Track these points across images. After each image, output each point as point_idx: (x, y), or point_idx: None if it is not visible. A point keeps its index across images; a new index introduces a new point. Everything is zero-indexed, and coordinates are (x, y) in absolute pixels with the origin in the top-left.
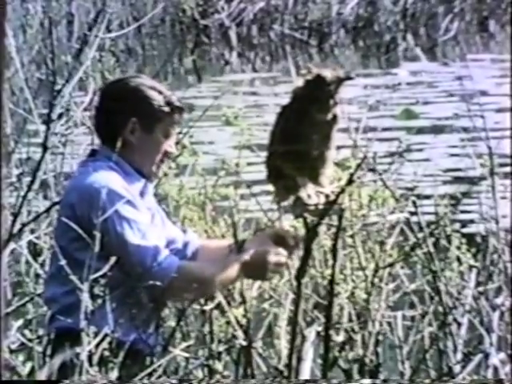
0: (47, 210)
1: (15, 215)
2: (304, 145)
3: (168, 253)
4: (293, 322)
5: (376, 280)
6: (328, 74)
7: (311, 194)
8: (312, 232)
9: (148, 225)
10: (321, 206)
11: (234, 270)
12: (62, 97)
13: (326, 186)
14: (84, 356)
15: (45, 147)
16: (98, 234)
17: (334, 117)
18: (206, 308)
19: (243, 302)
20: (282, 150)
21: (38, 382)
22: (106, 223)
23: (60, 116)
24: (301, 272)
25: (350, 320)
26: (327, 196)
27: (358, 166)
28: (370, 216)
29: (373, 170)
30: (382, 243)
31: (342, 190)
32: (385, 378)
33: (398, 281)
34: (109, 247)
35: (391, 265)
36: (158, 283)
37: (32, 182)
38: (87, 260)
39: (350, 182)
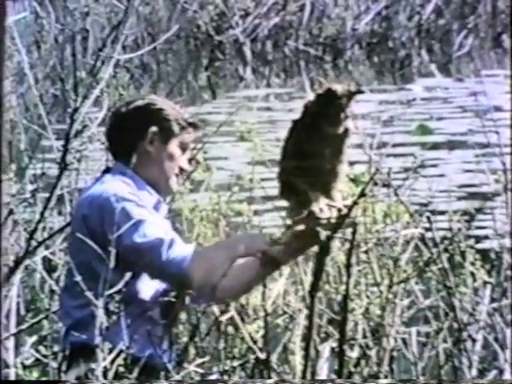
0: (63, 228)
1: (31, 233)
2: (316, 159)
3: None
4: (307, 337)
5: (390, 296)
6: (339, 87)
7: (323, 208)
8: (325, 246)
9: (161, 222)
10: (333, 220)
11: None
12: (79, 113)
13: (339, 199)
14: (99, 372)
15: (64, 164)
16: (113, 250)
17: (346, 130)
18: (222, 319)
19: (266, 314)
20: (294, 165)
21: (38, 382)
22: (118, 226)
23: (78, 133)
24: (314, 287)
25: (365, 336)
26: (340, 210)
27: (371, 178)
28: (385, 232)
29: (387, 186)
30: (396, 259)
31: (355, 203)
32: (402, 379)
33: (412, 297)
34: (122, 251)
35: (405, 280)
36: (182, 272)
37: (49, 199)
38: (103, 271)
39: (362, 195)
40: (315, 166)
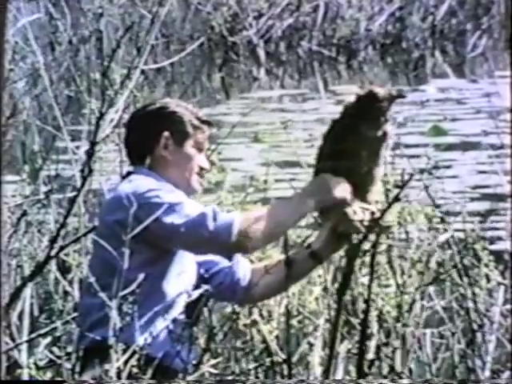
0: (88, 232)
1: (53, 239)
2: (352, 161)
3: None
4: (331, 338)
5: (406, 297)
6: (380, 90)
7: (357, 210)
8: (356, 248)
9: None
10: (366, 223)
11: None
12: (104, 119)
13: (372, 202)
14: (113, 372)
15: (90, 170)
16: (127, 251)
17: (384, 134)
18: (243, 322)
19: (288, 314)
20: (330, 166)
21: (39, 382)
22: (158, 216)
23: (104, 138)
24: (342, 288)
25: (380, 337)
26: (373, 213)
27: (406, 182)
28: (400, 233)
29: (400, 187)
30: (427, 261)
31: (388, 207)
32: (426, 379)
33: (427, 298)
34: (167, 238)
35: (431, 283)
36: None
37: (72, 205)
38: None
39: (397, 199)
40: (351, 168)
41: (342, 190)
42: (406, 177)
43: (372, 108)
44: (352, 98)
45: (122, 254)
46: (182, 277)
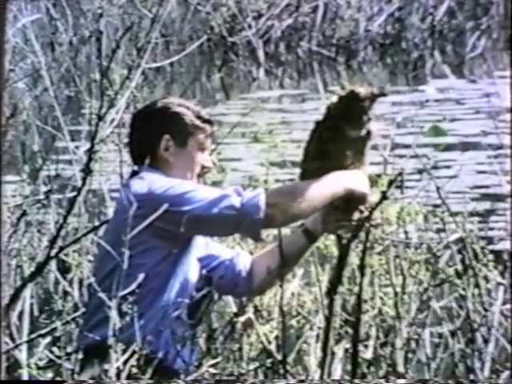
0: (88, 233)
1: (53, 239)
2: (337, 160)
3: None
4: (324, 338)
5: (405, 297)
6: (362, 90)
7: (345, 209)
8: (345, 248)
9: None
10: (354, 222)
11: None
12: (102, 119)
13: None
14: (112, 372)
15: (89, 170)
16: (126, 252)
17: (368, 133)
18: (239, 320)
19: (282, 315)
20: (316, 167)
21: (39, 382)
22: (180, 206)
23: (104, 138)
24: (333, 288)
25: (378, 337)
26: (361, 212)
27: (393, 181)
28: (399, 233)
29: (400, 187)
30: (436, 261)
31: (376, 206)
32: (421, 378)
33: (425, 297)
34: (193, 223)
35: (440, 284)
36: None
37: (72, 205)
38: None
39: (384, 198)
40: (337, 168)
41: (367, 187)
42: (403, 177)
43: (354, 108)
44: (334, 99)
45: (143, 252)
46: (187, 275)
